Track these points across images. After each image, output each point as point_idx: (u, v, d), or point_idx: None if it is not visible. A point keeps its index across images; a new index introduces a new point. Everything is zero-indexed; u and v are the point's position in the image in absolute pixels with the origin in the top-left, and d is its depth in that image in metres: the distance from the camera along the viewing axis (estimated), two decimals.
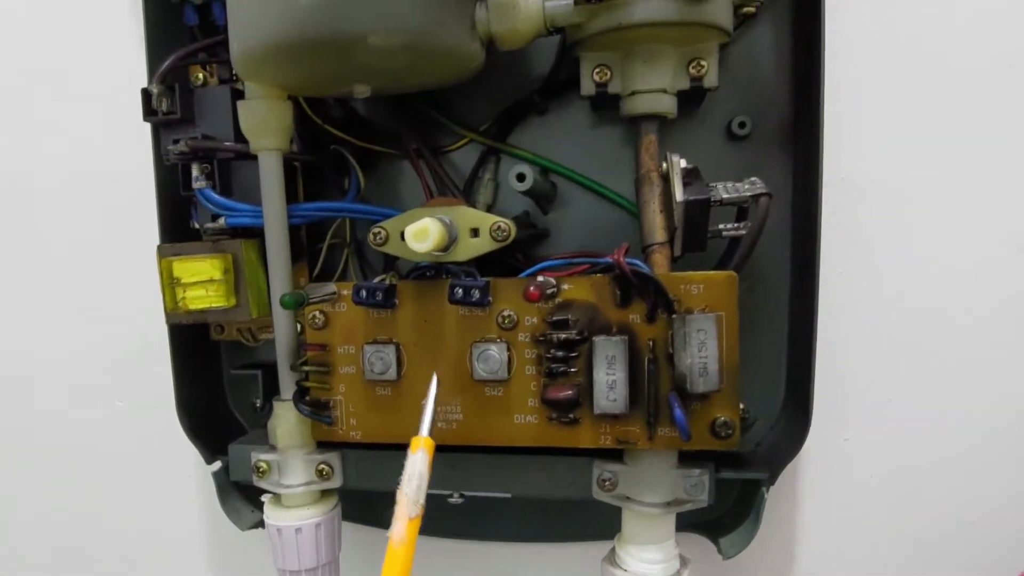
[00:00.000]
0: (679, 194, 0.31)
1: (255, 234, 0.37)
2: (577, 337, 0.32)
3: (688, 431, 0.31)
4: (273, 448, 0.37)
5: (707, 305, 0.31)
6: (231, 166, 0.38)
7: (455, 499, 0.37)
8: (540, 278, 0.32)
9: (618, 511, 0.35)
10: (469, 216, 0.33)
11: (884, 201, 0.39)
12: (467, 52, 0.31)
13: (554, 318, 0.32)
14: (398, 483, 0.28)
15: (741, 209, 0.32)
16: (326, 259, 0.41)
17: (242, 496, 0.42)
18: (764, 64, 0.38)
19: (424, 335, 0.34)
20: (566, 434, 0.33)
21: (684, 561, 0.35)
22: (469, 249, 0.33)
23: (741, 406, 0.32)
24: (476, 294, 0.32)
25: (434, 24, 0.29)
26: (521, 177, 0.35)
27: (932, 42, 0.38)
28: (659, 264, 0.33)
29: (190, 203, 0.39)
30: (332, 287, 0.34)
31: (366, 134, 0.40)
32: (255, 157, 0.35)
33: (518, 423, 0.33)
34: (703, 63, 0.32)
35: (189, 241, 0.38)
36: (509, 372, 0.33)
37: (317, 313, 0.35)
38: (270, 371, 0.40)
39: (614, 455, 0.34)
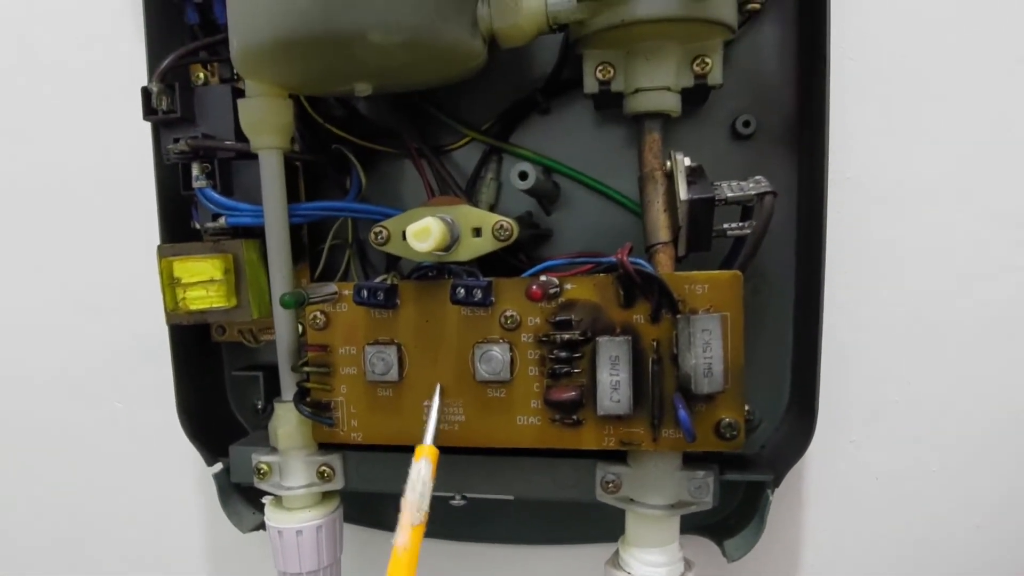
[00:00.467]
0: (683, 193, 0.31)
1: (256, 234, 0.37)
2: (580, 338, 0.32)
3: (692, 432, 0.30)
4: (274, 450, 0.37)
5: (712, 305, 0.31)
6: (232, 165, 0.38)
7: (457, 501, 0.37)
8: (543, 278, 0.32)
9: (622, 513, 0.35)
10: (471, 215, 0.33)
11: (890, 200, 0.39)
12: (469, 49, 0.31)
13: (557, 318, 0.32)
14: (402, 491, 0.27)
15: (746, 208, 0.32)
16: (328, 260, 0.41)
17: (243, 498, 0.42)
18: (769, 62, 0.37)
19: (426, 336, 0.34)
20: (569, 435, 0.33)
21: (688, 564, 0.34)
22: (471, 249, 0.33)
23: (746, 407, 0.32)
24: (478, 294, 0.32)
25: (435, 21, 0.29)
26: (523, 175, 0.34)
27: (938, 40, 0.38)
28: (663, 264, 0.32)
29: (190, 203, 0.39)
30: (333, 287, 0.34)
31: (367, 133, 0.40)
32: (256, 156, 0.35)
33: (521, 424, 0.33)
34: (707, 60, 0.32)
35: (189, 241, 0.38)
36: (512, 373, 0.33)
37: (318, 314, 0.34)
38: (271, 372, 0.40)
39: (618, 457, 0.34)
